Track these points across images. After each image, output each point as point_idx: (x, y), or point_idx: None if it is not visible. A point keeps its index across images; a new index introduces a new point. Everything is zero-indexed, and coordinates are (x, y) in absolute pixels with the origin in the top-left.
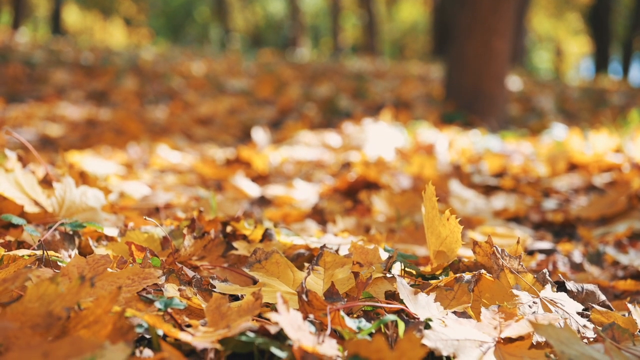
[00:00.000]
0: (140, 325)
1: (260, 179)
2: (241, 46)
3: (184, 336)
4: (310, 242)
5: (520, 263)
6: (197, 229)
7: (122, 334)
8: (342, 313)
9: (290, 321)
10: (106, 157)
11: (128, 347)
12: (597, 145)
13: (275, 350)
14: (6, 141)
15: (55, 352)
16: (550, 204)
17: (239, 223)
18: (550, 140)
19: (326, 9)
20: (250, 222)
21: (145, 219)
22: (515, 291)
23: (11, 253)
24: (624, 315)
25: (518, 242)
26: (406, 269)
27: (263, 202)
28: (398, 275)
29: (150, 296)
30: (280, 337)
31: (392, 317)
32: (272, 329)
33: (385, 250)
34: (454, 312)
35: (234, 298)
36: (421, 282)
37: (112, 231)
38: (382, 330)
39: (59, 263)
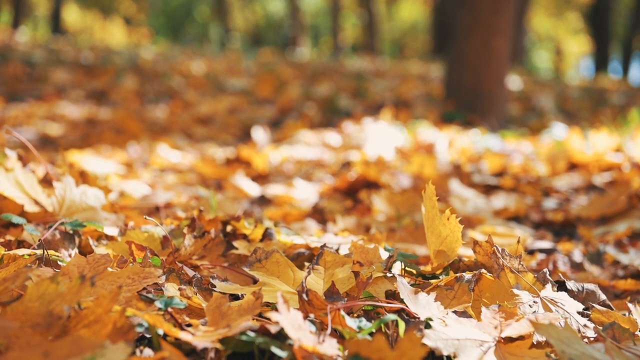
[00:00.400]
0: (140, 325)
1: (260, 178)
2: (241, 45)
3: (184, 335)
4: (311, 242)
5: (521, 262)
6: (198, 229)
7: (122, 334)
8: (342, 312)
9: (290, 321)
10: (106, 156)
11: (128, 347)
12: (597, 144)
13: (275, 350)
14: (6, 140)
15: (55, 351)
16: (550, 203)
17: (239, 222)
18: (550, 139)
19: (326, 8)
20: (251, 222)
21: (145, 218)
22: (515, 291)
23: (11, 252)
24: (624, 314)
25: (518, 241)
26: (406, 268)
27: (263, 201)
28: (398, 275)
29: (150, 295)
30: (281, 337)
31: (392, 316)
32: (273, 329)
33: (386, 249)
34: (455, 312)
35: (234, 297)
36: (421, 281)
37: (112, 230)
38: (383, 329)
39: (59, 262)
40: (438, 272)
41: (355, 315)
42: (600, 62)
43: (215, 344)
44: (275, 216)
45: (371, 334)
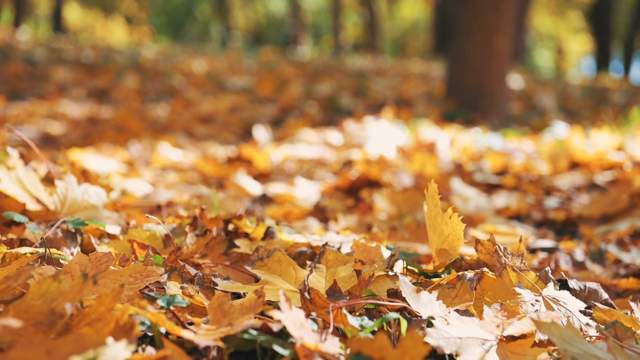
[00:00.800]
0: (142, 323)
1: (262, 177)
2: (242, 44)
3: (186, 334)
4: (312, 240)
5: (523, 261)
6: (199, 227)
7: (124, 332)
8: (344, 311)
9: (292, 319)
10: (108, 155)
11: (131, 345)
12: (598, 143)
13: (277, 348)
14: (8, 139)
15: (58, 349)
16: (552, 202)
17: (241, 221)
18: (551, 138)
19: (327, 7)
20: (252, 220)
21: (147, 216)
22: (517, 289)
23: (13, 251)
24: (626, 313)
25: (520, 240)
26: (408, 267)
27: (265, 200)
28: (400, 273)
29: (152, 294)
30: (283, 335)
31: (394, 315)
32: (275, 327)
33: (388, 248)
34: (457, 310)
35: (236, 296)
36: (423, 280)
37: (114, 229)
38: (385, 328)
39: (61, 261)
40: (440, 270)
41: (357, 313)
42: (602, 61)
43: (218, 342)
44: (276, 215)
45: (373, 332)
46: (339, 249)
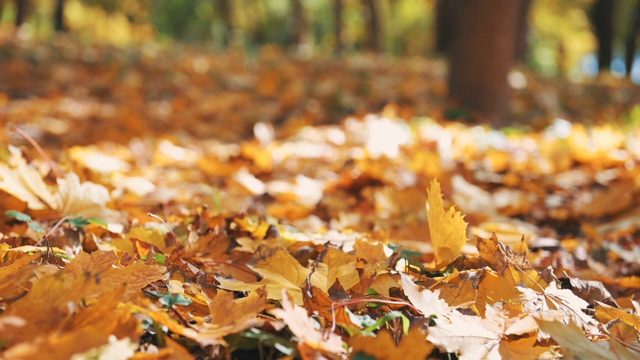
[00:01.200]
0: (145, 322)
1: (264, 175)
2: (244, 43)
3: (188, 332)
4: (314, 239)
5: (525, 260)
6: (201, 226)
7: (127, 330)
8: (346, 310)
9: (295, 318)
10: (109, 153)
11: (133, 343)
12: (600, 142)
13: (280, 347)
14: (10, 138)
15: (60, 348)
16: (553, 200)
17: (243, 220)
18: (553, 137)
19: (329, 5)
20: (254, 219)
21: (149, 215)
22: (519, 288)
23: (16, 249)
24: (628, 312)
25: (522, 239)
26: (410, 265)
27: (266, 198)
28: (402, 272)
29: (155, 292)
30: (285, 334)
31: (396, 313)
32: (277, 326)
33: (390, 247)
34: (459, 309)
35: (239, 295)
36: (425, 278)
37: (116, 228)
38: (387, 327)
39: (63, 259)
40: (442, 269)
41: (359, 312)
42: (603, 60)
43: (220, 341)
44: (278, 213)
45: (375, 331)
46: (341, 247)
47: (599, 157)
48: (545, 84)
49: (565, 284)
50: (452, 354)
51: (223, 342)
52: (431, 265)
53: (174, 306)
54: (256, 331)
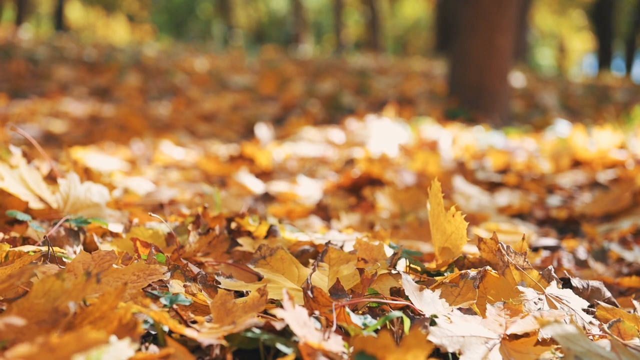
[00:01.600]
0: (145, 322)
1: (264, 175)
2: (244, 42)
3: (189, 332)
4: (315, 239)
5: (526, 259)
6: (202, 225)
7: (128, 330)
8: (347, 309)
9: (295, 317)
10: (110, 153)
11: (134, 343)
12: (600, 141)
13: (281, 347)
14: (10, 137)
15: (61, 347)
16: (554, 200)
17: (244, 219)
18: (553, 136)
19: (329, 5)
20: (255, 219)
21: (150, 215)
22: (520, 288)
23: (16, 249)
24: (629, 311)
25: (523, 238)
26: (411, 265)
27: (267, 198)
28: (403, 272)
29: (155, 292)
30: (286, 334)
31: (397, 313)
32: (278, 325)
33: (390, 246)
34: (460, 309)
35: (239, 294)
36: (426, 278)
37: (116, 227)
38: (388, 326)
39: (64, 259)
40: (443, 269)
41: (360, 312)
42: (604, 59)
43: (221, 341)
44: (279, 213)
45: (376, 331)
46: (341, 247)
47: (600, 157)
48: (545, 84)
49: (566, 283)
50: (453, 354)
51: (224, 342)
52: (432, 265)
53: (174, 306)
54: (257, 331)
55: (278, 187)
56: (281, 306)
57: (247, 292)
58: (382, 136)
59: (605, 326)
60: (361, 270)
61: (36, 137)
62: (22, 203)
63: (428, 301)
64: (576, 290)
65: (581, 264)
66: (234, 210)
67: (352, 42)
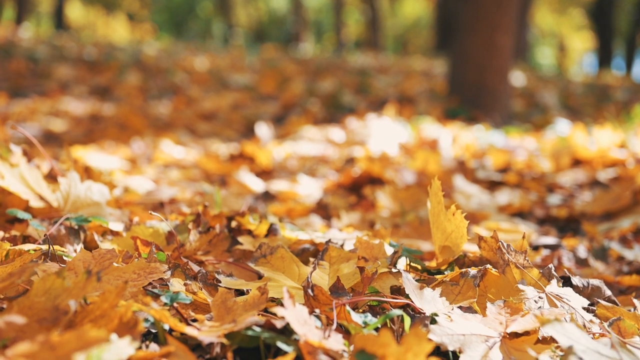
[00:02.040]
0: (146, 320)
1: (264, 174)
2: (244, 41)
3: (190, 330)
4: (315, 237)
5: (526, 258)
6: (202, 224)
7: (128, 328)
8: (348, 308)
9: (296, 316)
10: (110, 152)
11: (135, 341)
12: (601, 140)
13: (281, 345)
14: (11, 136)
15: (62, 346)
16: (554, 199)
17: (244, 218)
18: (554, 135)
19: (329, 4)
20: (255, 217)
21: (150, 213)
22: (521, 286)
23: (17, 247)
24: (629, 310)
25: (523, 237)
26: (411, 263)
27: (267, 197)
28: (403, 270)
29: (156, 291)
30: (287, 332)
31: (398, 311)
32: (278, 324)
33: (391, 245)
34: (460, 307)
35: (240, 293)
36: (427, 277)
37: (117, 226)
38: (388, 325)
39: (64, 257)
40: (443, 267)
41: (360, 310)
42: (604, 58)
43: (221, 339)
44: (279, 212)
45: (377, 329)
46: (342, 246)
47: (600, 156)
48: (545, 83)
49: (566, 282)
50: (454, 352)
51: (224, 340)
52: (432, 264)
53: (175, 304)
54: (257, 329)
55: (278, 186)
56: (282, 304)
57: (247, 290)
58: (383, 135)
59: (605, 324)
60: (361, 269)
61: (36, 136)
62: (23, 202)
63: (428, 299)
64: (576, 289)
65: (581, 263)
66: (235, 209)
67: (353, 41)
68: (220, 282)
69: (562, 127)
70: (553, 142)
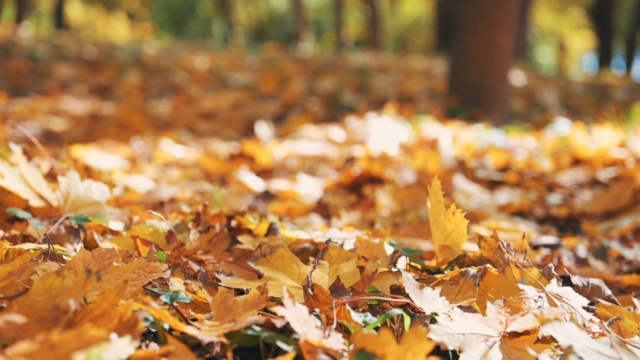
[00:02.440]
0: (146, 319)
1: (264, 173)
2: (244, 41)
3: (190, 330)
4: (315, 237)
5: (526, 257)
6: (202, 223)
7: (128, 328)
8: (347, 307)
9: (296, 315)
10: (110, 151)
11: (134, 341)
12: (601, 140)
13: (281, 344)
14: (10, 135)
15: (61, 345)
16: (554, 198)
17: (244, 217)
18: (554, 135)
19: (329, 3)
20: (255, 217)
21: (150, 213)
22: (520, 285)
23: (17, 247)
24: (629, 309)
25: (523, 236)
26: (411, 263)
27: (267, 196)
28: (403, 270)
29: (156, 290)
30: (286, 331)
31: (397, 311)
32: (278, 323)
33: (391, 244)
34: (460, 307)
35: (240, 292)
36: (426, 276)
37: (117, 225)
38: (388, 324)
39: (64, 257)
40: (443, 267)
41: (360, 309)
42: (604, 58)
43: (221, 338)
44: (279, 211)
45: (376, 328)
46: (341, 245)
47: (600, 155)
48: (545, 82)
49: (566, 281)
50: (453, 352)
51: (224, 340)
52: (432, 263)
53: (175, 303)
54: (257, 328)
55: (278, 185)
56: (281, 304)
57: (247, 289)
58: (383, 134)
59: (605, 324)
60: (361, 268)
61: (36, 135)
62: (23, 201)
63: (428, 299)
64: (576, 288)
65: (581, 262)
66: (234, 208)
67: (353, 40)
68: (220, 281)
69: (562, 127)
70: (553, 141)
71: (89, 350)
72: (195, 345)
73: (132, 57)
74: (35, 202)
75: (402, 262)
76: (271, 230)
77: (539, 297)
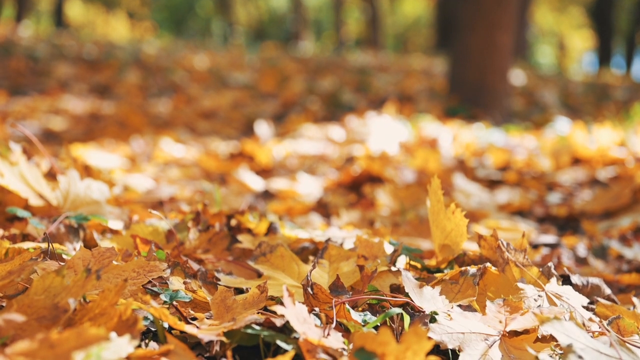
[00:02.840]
0: (146, 318)
1: (264, 172)
2: (244, 40)
3: (189, 329)
4: (315, 236)
5: (526, 256)
6: (202, 222)
7: (128, 327)
8: (347, 306)
9: (295, 314)
10: (110, 150)
11: (134, 340)
12: (600, 139)
13: (281, 343)
14: (10, 134)
15: (61, 344)
16: (554, 197)
17: (244, 216)
18: (553, 134)
19: (329, 2)
20: (255, 216)
21: (150, 212)
22: (520, 284)
23: (16, 246)
24: (628, 308)
25: (523, 235)
26: (411, 262)
27: (267, 195)
28: (403, 269)
29: (155, 289)
30: (286, 330)
31: (397, 310)
32: (278, 322)
33: (390, 243)
34: (459, 306)
35: (239, 291)
36: (426, 275)
37: (116, 224)
38: (388, 323)
39: (64, 256)
40: (443, 266)
41: (360, 309)
42: (604, 57)
43: (221, 337)
44: (279, 210)
45: (376, 327)
46: (341, 244)
47: (599, 154)
48: (545, 82)
49: (565, 280)
50: (453, 350)
51: (224, 339)
52: (432, 262)
53: (174, 302)
54: (257, 327)
55: (278, 184)
56: (281, 303)
57: (247, 289)
58: (382, 134)
59: (604, 323)
60: (361, 267)
61: (36, 134)
62: (22, 200)
63: (428, 298)
64: (576, 287)
65: (581, 261)
66: (234, 208)
67: (352, 39)
68: (219, 280)
69: (562, 126)
70: (553, 140)
71: (89, 349)
72: (194, 344)
73: (131, 56)
74: (34, 201)
75: (401, 261)
76: (271, 230)
77: (539, 296)
